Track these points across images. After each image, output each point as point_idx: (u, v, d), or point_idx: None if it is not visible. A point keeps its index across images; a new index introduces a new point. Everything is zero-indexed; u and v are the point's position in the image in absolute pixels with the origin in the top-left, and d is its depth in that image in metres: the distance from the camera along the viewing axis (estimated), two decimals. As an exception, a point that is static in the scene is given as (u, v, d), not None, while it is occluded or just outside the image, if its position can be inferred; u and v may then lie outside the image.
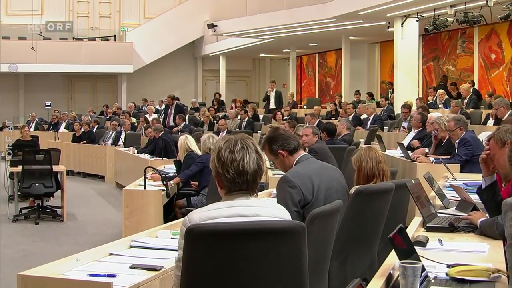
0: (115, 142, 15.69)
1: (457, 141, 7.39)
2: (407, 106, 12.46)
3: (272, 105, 18.85)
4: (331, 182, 4.23)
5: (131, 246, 3.69)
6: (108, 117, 20.53)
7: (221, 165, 2.82)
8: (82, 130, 16.97)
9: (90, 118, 19.12)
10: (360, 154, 4.75)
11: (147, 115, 17.70)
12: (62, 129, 19.94)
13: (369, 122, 13.57)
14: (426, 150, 8.05)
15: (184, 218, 2.82)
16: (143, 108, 20.84)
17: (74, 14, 26.95)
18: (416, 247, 2.94)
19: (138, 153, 12.50)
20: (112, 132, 16.37)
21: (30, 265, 7.20)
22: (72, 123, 19.11)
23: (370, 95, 18.55)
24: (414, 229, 3.61)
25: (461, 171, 6.74)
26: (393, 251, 2.69)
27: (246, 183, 2.81)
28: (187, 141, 8.15)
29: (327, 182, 4.20)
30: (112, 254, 3.50)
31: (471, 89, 14.60)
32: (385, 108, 15.24)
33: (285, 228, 2.64)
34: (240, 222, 2.65)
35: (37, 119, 22.24)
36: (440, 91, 15.49)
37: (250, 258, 2.53)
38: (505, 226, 2.40)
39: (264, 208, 2.81)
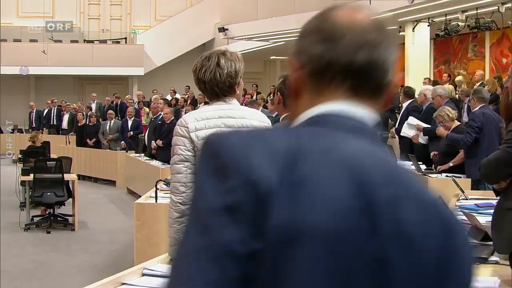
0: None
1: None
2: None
3: None
4: None
5: (143, 274, 3.71)
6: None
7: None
8: (86, 122, 17.01)
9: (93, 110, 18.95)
10: None
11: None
12: (65, 121, 19.85)
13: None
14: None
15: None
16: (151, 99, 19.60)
17: (85, 16, 27.06)
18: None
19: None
20: (110, 122, 16.31)
21: (42, 277, 7.34)
22: (75, 115, 18.95)
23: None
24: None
25: (472, 188, 6.64)
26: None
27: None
28: None
29: None
30: (124, 283, 3.51)
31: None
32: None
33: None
34: None
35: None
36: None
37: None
38: None
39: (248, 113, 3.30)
